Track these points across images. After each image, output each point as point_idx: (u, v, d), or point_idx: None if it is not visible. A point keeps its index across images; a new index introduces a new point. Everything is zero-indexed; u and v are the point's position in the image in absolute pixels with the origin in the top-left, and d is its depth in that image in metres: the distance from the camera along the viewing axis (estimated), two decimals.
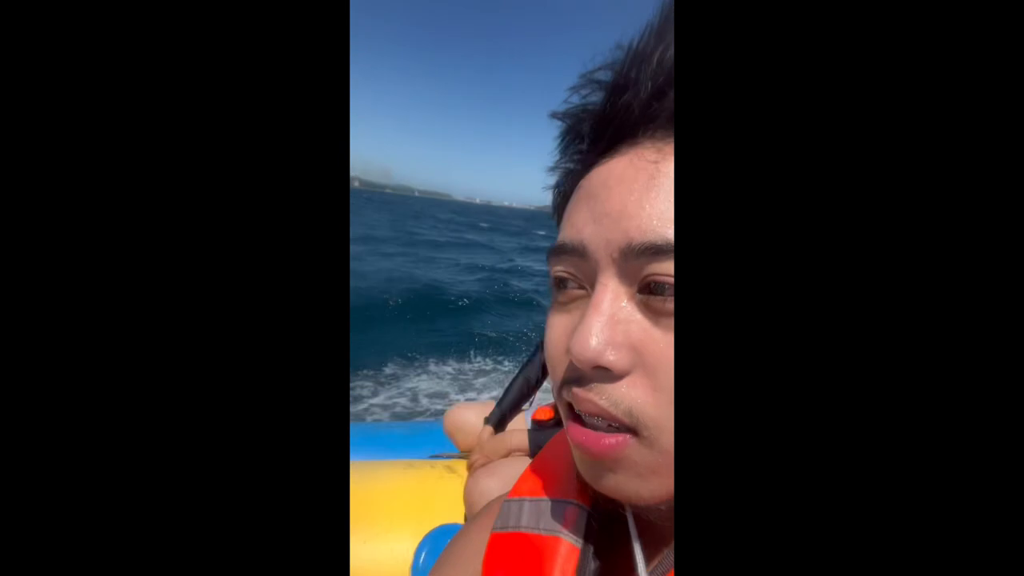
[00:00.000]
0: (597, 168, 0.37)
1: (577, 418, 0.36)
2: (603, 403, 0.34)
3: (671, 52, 0.35)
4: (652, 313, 0.34)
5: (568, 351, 0.34)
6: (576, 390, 0.35)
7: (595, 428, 0.35)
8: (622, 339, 0.34)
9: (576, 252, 0.36)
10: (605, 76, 0.38)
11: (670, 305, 0.33)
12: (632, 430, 0.34)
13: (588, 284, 0.37)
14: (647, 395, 0.33)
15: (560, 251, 0.38)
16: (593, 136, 0.39)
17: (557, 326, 0.38)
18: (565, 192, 0.41)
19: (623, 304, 0.34)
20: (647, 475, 0.34)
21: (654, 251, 0.33)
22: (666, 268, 0.32)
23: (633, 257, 0.33)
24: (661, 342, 0.33)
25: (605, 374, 0.34)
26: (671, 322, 0.33)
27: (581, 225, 0.36)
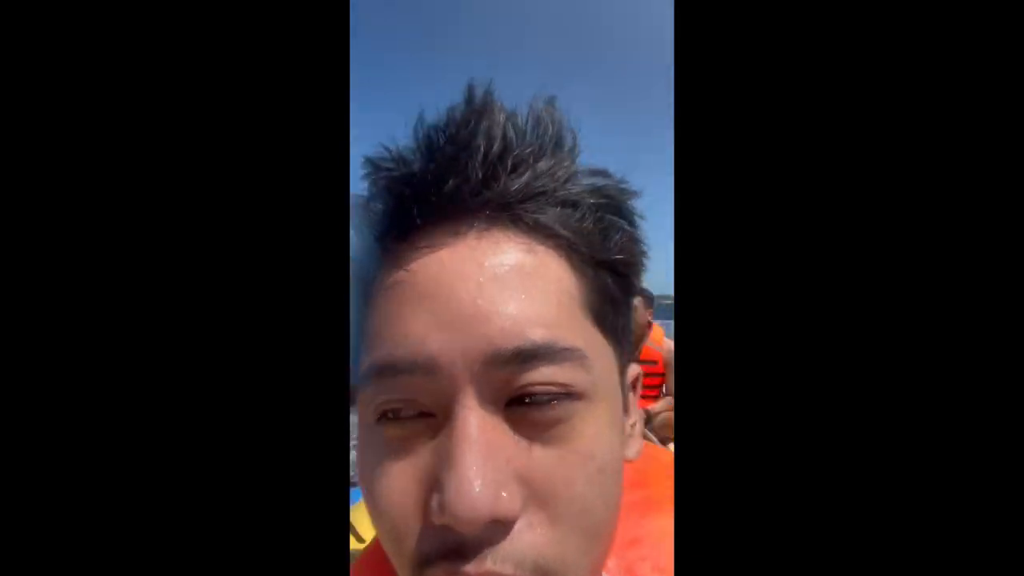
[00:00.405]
0: (419, 257, 0.30)
1: None
2: (505, 570, 0.26)
3: (497, 130, 0.30)
4: (529, 428, 0.28)
5: (435, 513, 0.26)
6: (457, 569, 0.26)
7: None
8: (506, 472, 0.27)
9: (422, 370, 0.28)
10: (414, 157, 0.31)
11: (551, 413, 0.28)
12: None
13: (437, 407, 0.28)
14: (549, 534, 0.27)
15: (392, 371, 0.28)
16: (422, 198, 0.30)
17: (397, 477, 0.29)
18: (365, 274, 0.32)
19: (494, 427, 0.28)
20: None
21: (525, 357, 0.27)
22: (543, 374, 0.28)
23: (499, 367, 0.27)
24: (546, 460, 0.28)
25: (495, 528, 0.26)
26: (552, 434, 0.28)
27: (423, 334, 0.28)
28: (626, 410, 0.35)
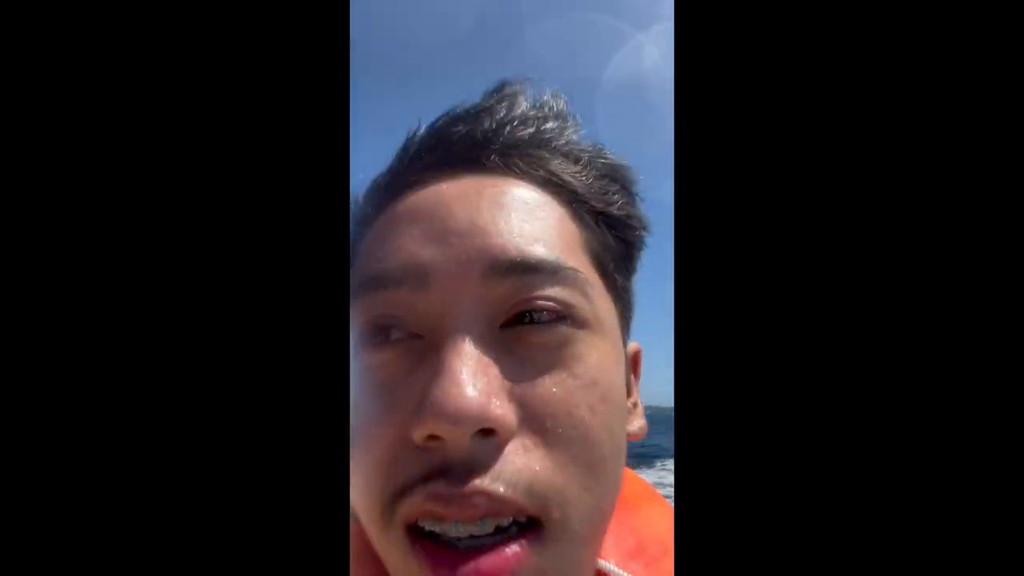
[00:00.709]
0: (417, 190, 0.29)
1: (433, 543, 0.24)
2: (495, 488, 0.23)
3: (509, 99, 0.31)
4: (526, 349, 0.25)
5: (417, 425, 0.23)
6: (440, 489, 0.23)
7: (473, 546, 0.23)
8: (499, 387, 0.24)
9: (412, 280, 0.26)
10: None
11: (551, 335, 0.25)
12: (533, 521, 0.24)
13: (426, 328, 0.26)
14: (547, 459, 0.24)
15: (380, 283, 0.26)
16: (428, 148, 0.30)
17: (379, 404, 0.25)
18: (364, 214, 0.31)
19: (489, 346, 0.25)
20: None
21: (525, 268, 0.25)
22: (544, 291, 0.25)
23: (497, 280, 0.25)
24: (546, 382, 0.25)
25: (486, 444, 0.23)
26: (552, 358, 0.25)
27: (415, 247, 0.26)
28: (628, 390, 0.32)
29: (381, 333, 0.27)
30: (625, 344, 0.34)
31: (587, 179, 0.32)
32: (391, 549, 0.25)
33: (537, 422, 0.24)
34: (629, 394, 0.33)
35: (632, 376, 0.35)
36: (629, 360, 0.35)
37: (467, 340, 0.24)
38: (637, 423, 0.34)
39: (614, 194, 0.33)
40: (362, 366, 0.27)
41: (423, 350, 0.26)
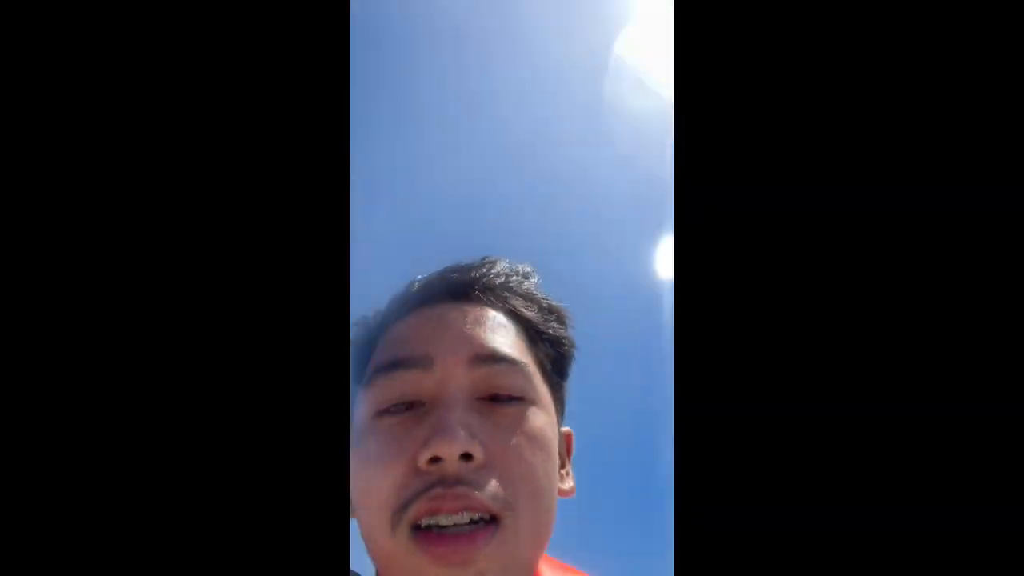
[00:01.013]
0: (425, 309, 0.45)
1: (428, 531, 0.35)
2: (472, 493, 0.35)
3: (500, 274, 0.47)
4: (494, 416, 0.40)
5: (422, 453, 0.36)
6: (437, 492, 0.35)
7: (456, 532, 0.35)
8: (477, 434, 0.37)
9: (420, 364, 0.40)
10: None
11: (509, 409, 0.40)
12: (494, 518, 0.36)
13: (428, 397, 0.40)
14: (504, 483, 0.37)
15: (401, 364, 0.41)
16: (432, 283, 0.47)
17: (388, 450, 0.38)
18: (371, 333, 0.47)
19: (471, 408, 0.39)
20: (513, 567, 0.37)
21: (497, 359, 0.41)
22: (508, 379, 0.41)
23: (479, 365, 0.41)
24: (504, 435, 0.39)
25: (467, 467, 0.36)
26: (511, 422, 0.40)
27: (422, 340, 0.42)
28: (562, 461, 0.48)
29: (396, 405, 0.40)
30: (560, 425, 0.49)
31: (535, 312, 0.49)
32: (398, 545, 0.36)
33: (499, 459, 0.37)
34: (563, 464, 0.48)
35: (565, 450, 0.50)
36: (563, 437, 0.50)
37: (458, 405, 0.38)
38: (568, 483, 0.49)
39: (552, 323, 0.50)
40: (369, 429, 0.40)
41: (425, 413, 0.39)
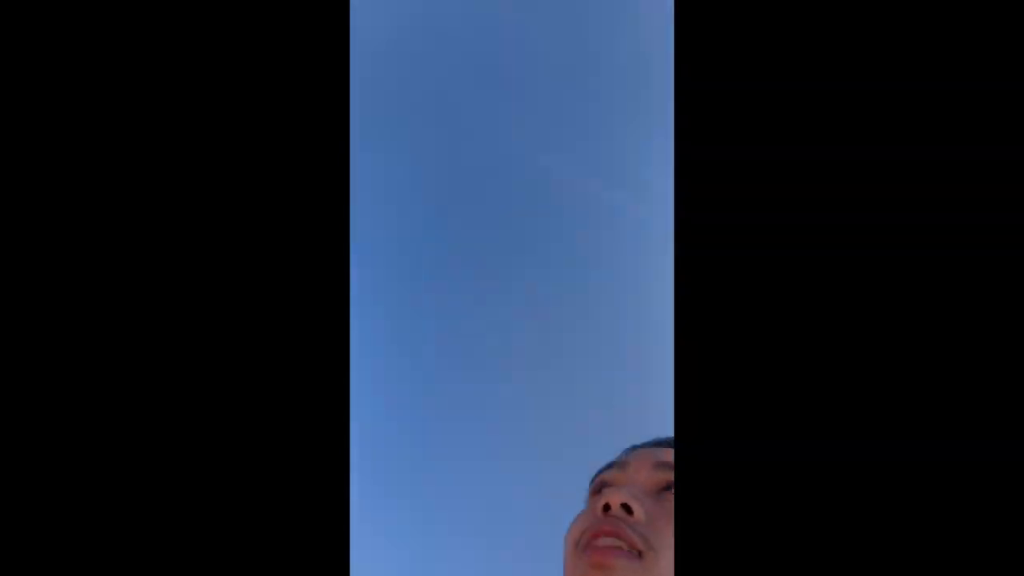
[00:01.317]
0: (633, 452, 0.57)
1: (588, 547, 0.47)
2: (625, 527, 0.45)
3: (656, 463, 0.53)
4: (661, 499, 0.49)
5: (599, 499, 0.47)
6: (604, 524, 0.46)
7: (606, 545, 0.46)
8: (643, 501, 0.48)
9: (618, 464, 0.53)
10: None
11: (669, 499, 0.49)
12: (639, 553, 0.45)
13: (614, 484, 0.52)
14: (654, 536, 0.45)
15: (605, 468, 0.54)
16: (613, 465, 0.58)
17: (585, 508, 0.52)
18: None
19: (644, 488, 0.49)
20: None
21: (670, 467, 0.51)
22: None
23: (661, 468, 0.50)
24: (663, 511, 0.47)
25: (627, 517, 0.46)
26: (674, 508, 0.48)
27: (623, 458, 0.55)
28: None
29: (599, 488, 0.52)
30: None
31: None
32: (579, 563, 0.46)
33: (655, 521, 0.46)
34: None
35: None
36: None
37: (633, 483, 0.49)
38: None
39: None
40: (594, 503, 0.50)
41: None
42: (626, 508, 0.46)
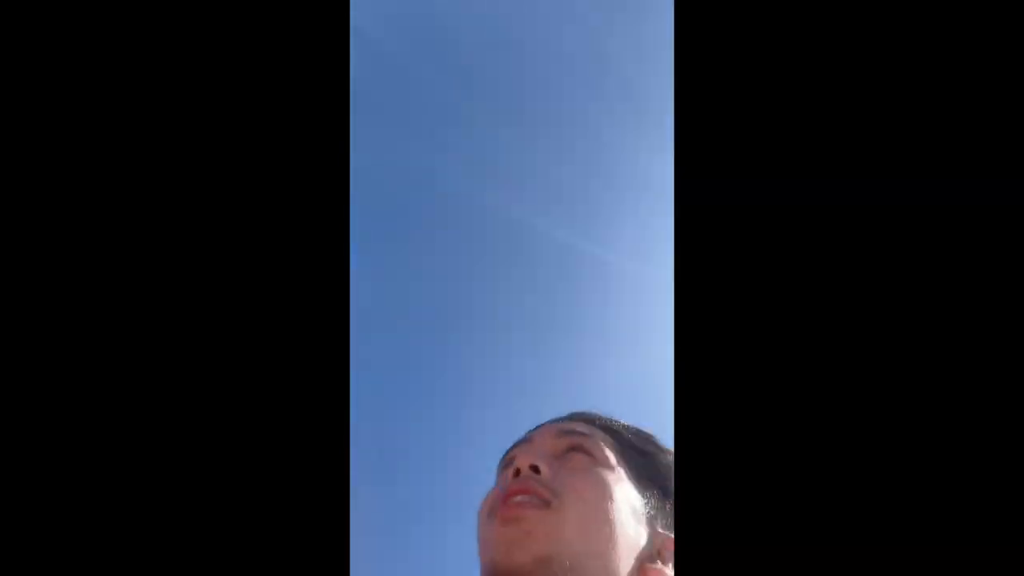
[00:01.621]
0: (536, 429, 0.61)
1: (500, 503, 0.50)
2: (534, 484, 0.48)
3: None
4: (565, 459, 0.52)
5: (510, 468, 0.51)
6: (512, 485, 0.49)
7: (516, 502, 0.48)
8: (549, 463, 0.51)
9: (524, 440, 0.56)
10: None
11: (577, 456, 0.52)
12: (547, 503, 0.47)
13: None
14: (558, 484, 0.49)
15: (515, 442, 0.57)
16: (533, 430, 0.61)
17: (496, 485, 0.55)
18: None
19: (549, 453, 0.52)
20: (558, 545, 0.46)
21: (577, 432, 0.54)
22: (580, 440, 0.53)
23: (562, 435, 0.54)
24: (568, 470, 0.51)
25: (536, 476, 0.49)
26: (577, 465, 0.52)
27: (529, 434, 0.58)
28: (654, 554, 0.52)
29: (509, 463, 0.53)
30: (656, 521, 0.54)
31: (620, 427, 0.59)
32: (490, 526, 0.48)
33: (559, 476, 0.49)
34: (654, 559, 0.52)
35: (657, 545, 0.53)
36: (656, 532, 0.54)
37: (539, 449, 0.53)
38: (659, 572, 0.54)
39: (633, 433, 0.60)
40: (503, 476, 0.53)
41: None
42: (534, 469, 0.49)
